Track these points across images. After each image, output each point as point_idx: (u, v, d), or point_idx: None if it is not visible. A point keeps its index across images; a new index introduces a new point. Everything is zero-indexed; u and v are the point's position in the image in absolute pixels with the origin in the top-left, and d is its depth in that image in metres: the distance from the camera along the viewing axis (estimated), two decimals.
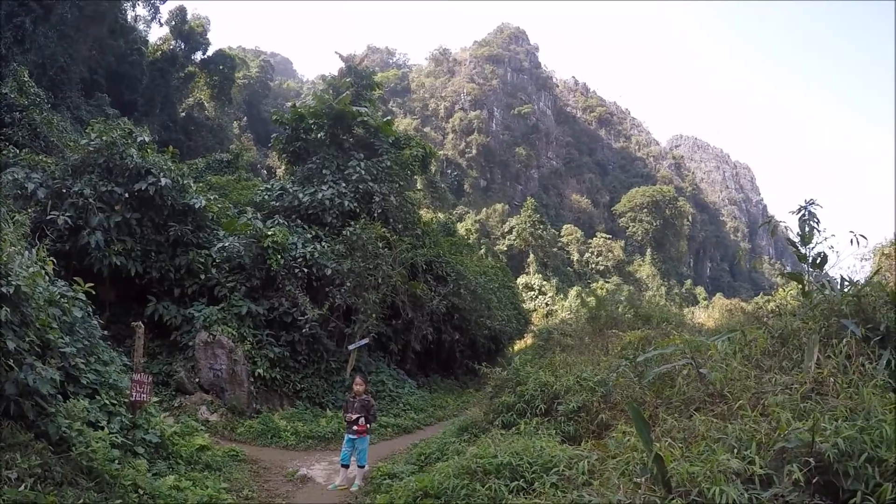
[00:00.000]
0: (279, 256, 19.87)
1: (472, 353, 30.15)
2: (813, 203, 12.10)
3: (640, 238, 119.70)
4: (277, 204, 24.99)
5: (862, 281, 10.19)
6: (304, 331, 19.34)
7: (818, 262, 10.90)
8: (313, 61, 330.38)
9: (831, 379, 7.27)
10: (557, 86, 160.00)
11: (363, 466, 11.83)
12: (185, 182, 19.78)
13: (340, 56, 32.37)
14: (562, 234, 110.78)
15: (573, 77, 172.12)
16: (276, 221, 22.84)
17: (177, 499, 8.86)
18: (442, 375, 28.80)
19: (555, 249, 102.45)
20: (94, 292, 11.10)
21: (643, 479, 5.79)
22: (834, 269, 11.77)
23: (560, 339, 31.47)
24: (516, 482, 7.67)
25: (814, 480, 5.30)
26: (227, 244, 19.78)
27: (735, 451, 5.97)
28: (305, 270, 20.45)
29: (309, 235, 22.50)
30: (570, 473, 7.19)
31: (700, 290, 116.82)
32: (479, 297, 30.84)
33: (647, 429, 5.98)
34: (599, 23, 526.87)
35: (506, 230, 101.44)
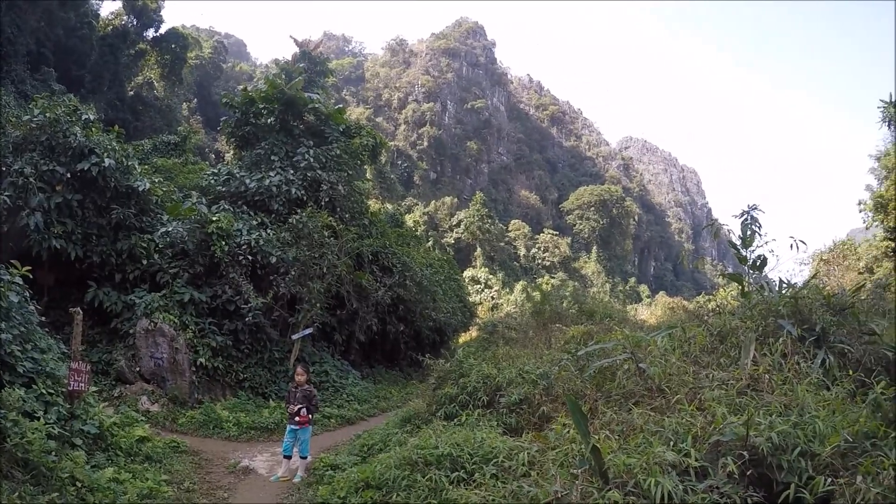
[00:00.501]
0: (223, 243, 19.45)
1: (417, 345, 30.22)
2: (755, 208, 12.52)
3: (586, 235, 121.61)
4: (224, 189, 24.46)
5: (800, 284, 10.57)
6: (247, 319, 19.02)
7: (758, 264, 11.28)
8: (268, 44, 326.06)
9: (767, 376, 7.51)
10: (512, 82, 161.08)
11: (306, 457, 11.75)
12: (130, 163, 19.12)
13: (295, 41, 31.89)
14: (509, 229, 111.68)
15: (528, 74, 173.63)
16: (222, 207, 22.36)
17: (116, 492, 8.66)
18: (386, 366, 28.80)
19: (502, 244, 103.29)
20: (31, 276, 10.75)
21: (581, 471, 5.85)
22: (774, 272, 12.18)
23: (505, 332, 31.72)
24: (457, 473, 7.71)
25: (748, 473, 5.45)
26: (170, 229, 19.29)
27: (671, 443, 6.09)
28: (250, 258, 20.09)
29: (255, 222, 22.10)
30: (510, 464, 7.23)
31: (644, 288, 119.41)
32: (425, 289, 30.83)
33: (584, 421, 6.05)
34: (557, 22, 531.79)
35: (454, 223, 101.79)
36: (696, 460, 5.65)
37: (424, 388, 15.71)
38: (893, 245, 37.92)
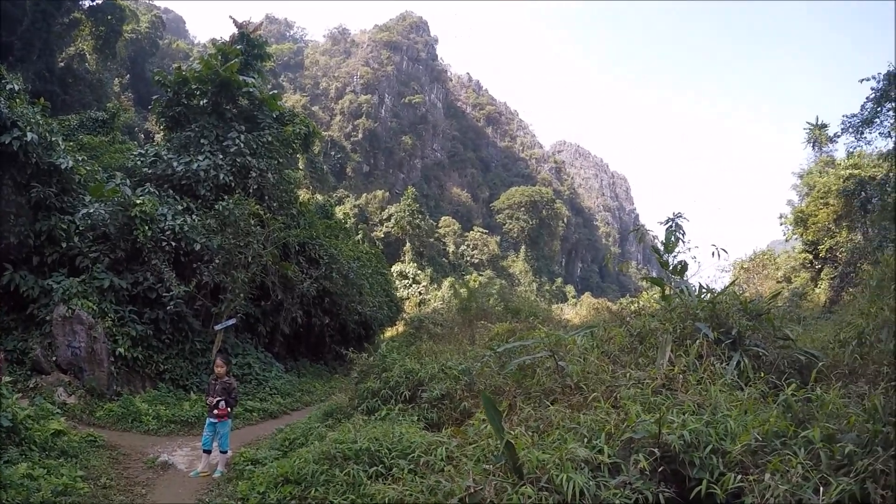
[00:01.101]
0: (147, 227, 18.78)
1: (342, 338, 30.00)
2: (680, 216, 12.99)
3: (515, 235, 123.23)
4: (150, 171, 23.57)
5: (719, 290, 10.99)
6: (168, 308, 18.45)
7: (679, 269, 11.67)
8: (209, 23, 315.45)
9: (682, 376, 7.75)
10: (451, 80, 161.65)
11: (226, 452, 11.52)
12: (54, 139, 18.10)
13: (235, 21, 30.91)
14: (440, 225, 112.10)
15: (468, 73, 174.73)
16: (147, 190, 21.53)
17: (29, 488, 8.32)
18: (311, 360, 28.55)
19: (431, 240, 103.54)
20: None
21: (495, 466, 5.91)
22: (695, 278, 12.63)
23: (430, 327, 31.84)
24: (375, 467, 7.70)
25: (660, 469, 5.59)
26: (91, 211, 18.47)
27: (586, 440, 6.21)
28: (174, 244, 19.45)
29: (180, 207, 21.40)
30: (429, 459, 7.25)
31: (570, 289, 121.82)
32: (352, 283, 30.61)
33: (498, 417, 6.13)
34: (500, 23, 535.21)
35: (384, 217, 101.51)
36: (609, 457, 5.78)
37: (347, 383, 15.62)
38: (811, 257, 39.98)
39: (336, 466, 8.03)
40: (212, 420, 11.47)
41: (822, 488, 4.86)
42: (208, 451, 11.51)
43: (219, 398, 11.47)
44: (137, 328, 17.62)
